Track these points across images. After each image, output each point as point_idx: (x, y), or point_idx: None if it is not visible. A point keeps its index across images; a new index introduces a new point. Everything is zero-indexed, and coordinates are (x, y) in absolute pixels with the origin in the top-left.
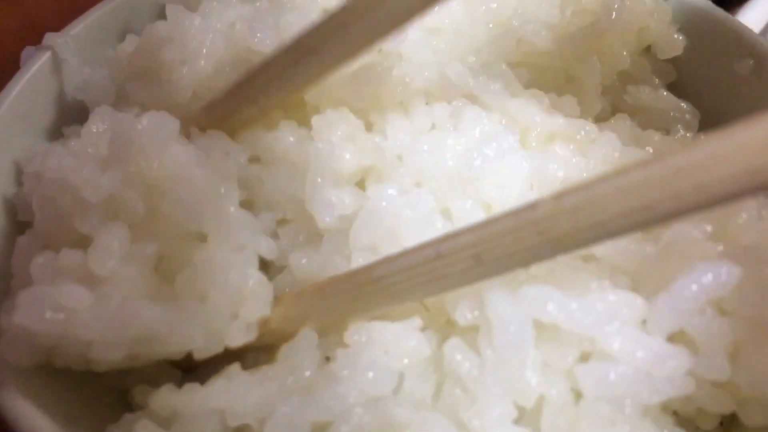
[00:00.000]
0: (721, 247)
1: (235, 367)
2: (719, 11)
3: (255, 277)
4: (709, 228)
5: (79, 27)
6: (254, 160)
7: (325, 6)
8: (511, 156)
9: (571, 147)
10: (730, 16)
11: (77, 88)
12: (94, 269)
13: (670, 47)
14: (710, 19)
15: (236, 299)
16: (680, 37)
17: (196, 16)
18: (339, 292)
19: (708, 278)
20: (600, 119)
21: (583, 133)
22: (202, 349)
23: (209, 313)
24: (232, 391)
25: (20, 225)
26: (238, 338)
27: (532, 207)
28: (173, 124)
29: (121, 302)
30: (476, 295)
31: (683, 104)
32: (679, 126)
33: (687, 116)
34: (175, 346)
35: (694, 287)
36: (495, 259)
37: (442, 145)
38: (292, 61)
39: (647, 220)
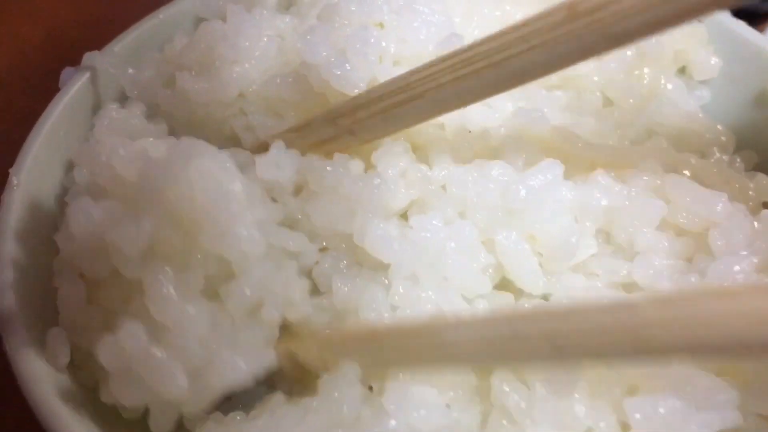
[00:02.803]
0: None
1: (278, 398)
2: (753, 33)
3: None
4: (755, 260)
5: (118, 45)
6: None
7: (375, 20)
8: (555, 187)
9: (612, 174)
10: (764, 37)
11: (125, 86)
12: (160, 320)
13: (705, 69)
14: (744, 41)
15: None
16: (716, 60)
17: (253, 21)
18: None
19: None
20: (636, 141)
21: (623, 159)
22: None
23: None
24: (276, 424)
25: None
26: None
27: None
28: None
29: (206, 358)
30: None
31: (719, 126)
32: (714, 148)
33: (722, 138)
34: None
35: None
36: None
37: (486, 176)
38: (397, 102)
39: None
